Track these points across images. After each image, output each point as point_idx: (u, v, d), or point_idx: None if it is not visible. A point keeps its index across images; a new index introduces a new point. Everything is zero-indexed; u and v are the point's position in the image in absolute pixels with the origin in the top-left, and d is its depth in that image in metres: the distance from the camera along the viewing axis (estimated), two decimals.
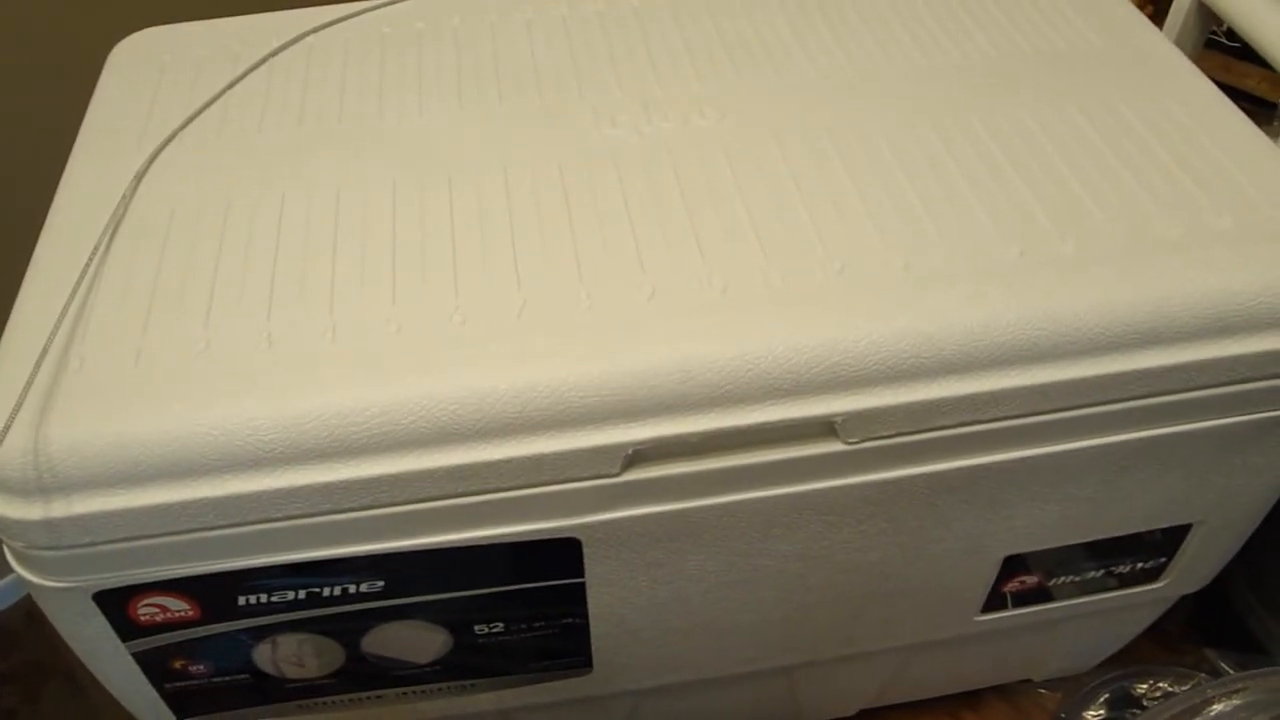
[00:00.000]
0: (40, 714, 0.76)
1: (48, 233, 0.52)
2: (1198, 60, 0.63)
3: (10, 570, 0.47)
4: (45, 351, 0.46)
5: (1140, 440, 0.51)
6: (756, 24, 0.62)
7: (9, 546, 0.46)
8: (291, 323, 0.47)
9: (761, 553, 0.52)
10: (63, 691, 0.76)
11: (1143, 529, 0.57)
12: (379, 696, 0.56)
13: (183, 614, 0.49)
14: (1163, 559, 0.60)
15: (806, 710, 0.69)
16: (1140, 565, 0.59)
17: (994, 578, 0.57)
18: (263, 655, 0.52)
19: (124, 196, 0.53)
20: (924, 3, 0.64)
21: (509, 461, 0.45)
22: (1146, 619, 0.67)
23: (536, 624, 0.53)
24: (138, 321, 0.47)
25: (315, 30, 0.63)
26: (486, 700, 0.57)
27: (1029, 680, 0.72)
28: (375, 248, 0.50)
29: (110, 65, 0.62)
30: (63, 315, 0.47)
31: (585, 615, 0.53)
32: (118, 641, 0.50)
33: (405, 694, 0.56)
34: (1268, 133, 0.56)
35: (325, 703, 0.55)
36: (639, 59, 0.60)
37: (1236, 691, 0.53)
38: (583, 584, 0.51)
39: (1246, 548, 0.61)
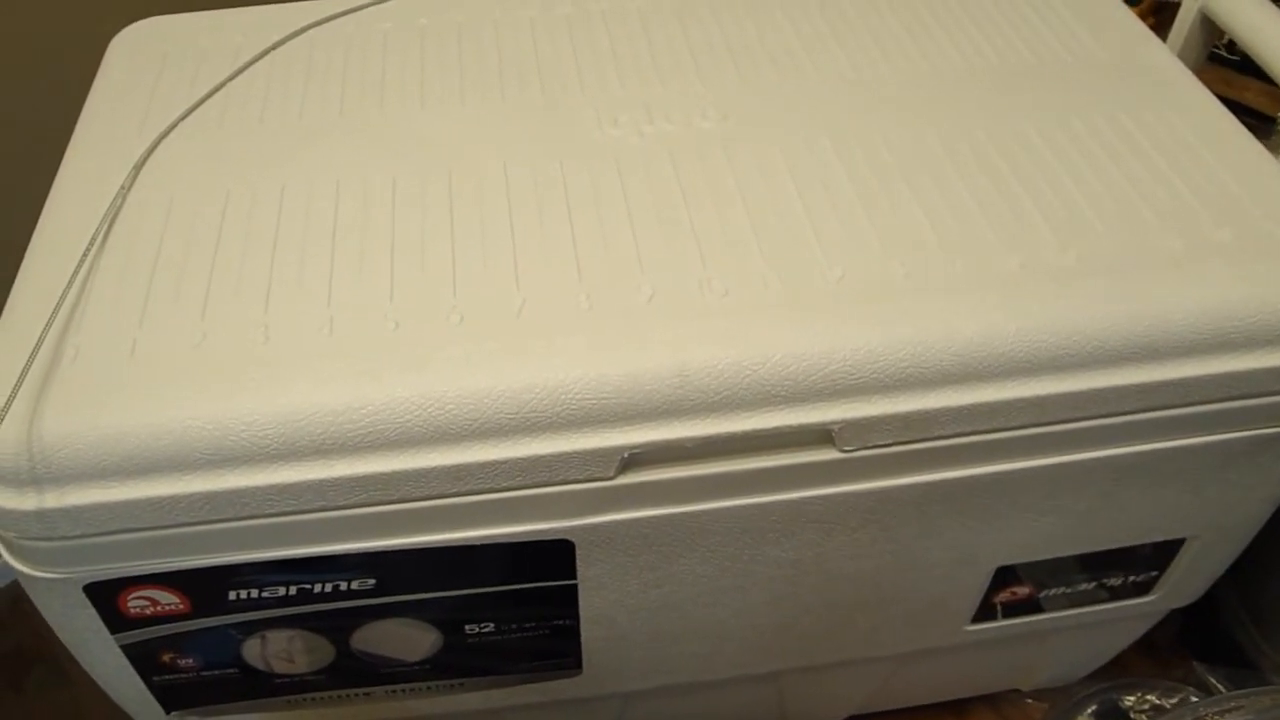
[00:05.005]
0: (24, 702, 0.75)
1: (45, 222, 0.52)
2: (1200, 73, 0.62)
3: None
4: (40, 342, 0.45)
5: (1136, 454, 0.51)
6: (760, 27, 0.62)
7: (0, 536, 0.46)
8: (288, 317, 0.47)
9: (754, 559, 0.52)
10: (48, 679, 0.76)
11: (1136, 542, 0.57)
12: (368, 694, 0.55)
13: (173, 607, 0.49)
14: (1154, 573, 0.60)
15: (795, 716, 0.69)
16: (1132, 578, 0.59)
17: (985, 588, 0.57)
18: (252, 650, 0.52)
19: (122, 187, 0.52)
20: (928, 9, 0.63)
21: (504, 462, 0.45)
22: (1136, 632, 0.67)
23: (527, 625, 0.53)
24: (134, 313, 0.47)
25: (318, 23, 0.63)
26: (475, 699, 0.57)
27: (1017, 690, 0.72)
28: (374, 243, 0.50)
29: (111, 54, 0.62)
30: (59, 305, 0.47)
31: (576, 617, 0.53)
32: (107, 633, 0.49)
33: (394, 692, 0.56)
34: (1268, 147, 0.56)
35: (314, 699, 0.55)
36: (642, 59, 0.60)
37: (1229, 710, 0.53)
38: (575, 586, 0.51)
39: (1238, 563, 0.61)
